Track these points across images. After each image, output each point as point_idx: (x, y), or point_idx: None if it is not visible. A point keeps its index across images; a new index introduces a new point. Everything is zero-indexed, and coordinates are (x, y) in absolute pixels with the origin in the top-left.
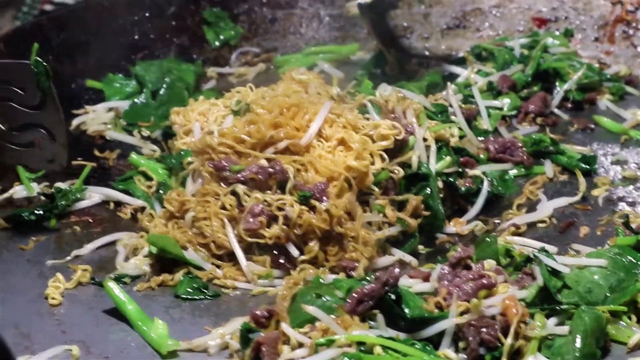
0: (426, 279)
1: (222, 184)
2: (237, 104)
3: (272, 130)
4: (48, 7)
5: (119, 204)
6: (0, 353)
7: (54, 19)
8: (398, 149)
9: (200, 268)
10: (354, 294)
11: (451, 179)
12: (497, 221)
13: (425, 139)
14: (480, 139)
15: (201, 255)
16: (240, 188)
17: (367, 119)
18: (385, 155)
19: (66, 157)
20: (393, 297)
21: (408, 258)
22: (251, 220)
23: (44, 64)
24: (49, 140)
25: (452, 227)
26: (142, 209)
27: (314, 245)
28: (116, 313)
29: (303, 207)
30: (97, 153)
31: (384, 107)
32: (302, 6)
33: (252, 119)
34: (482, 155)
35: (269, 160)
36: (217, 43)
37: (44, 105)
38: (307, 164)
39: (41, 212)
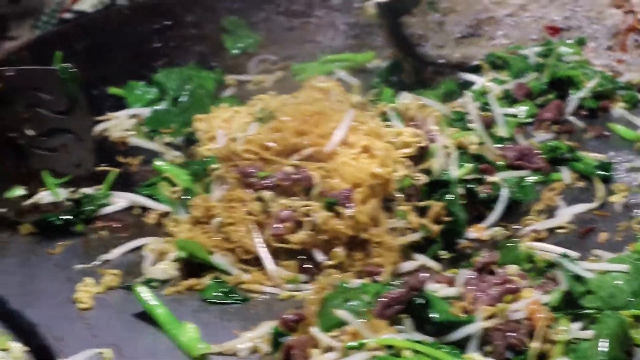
0: (451, 283)
1: (248, 190)
2: (261, 111)
3: (297, 137)
4: (67, 15)
5: (144, 209)
6: (43, 354)
7: (75, 27)
8: (420, 156)
9: (227, 273)
10: (382, 298)
11: (471, 186)
12: (516, 227)
13: (446, 146)
14: (497, 146)
15: (228, 260)
16: (267, 194)
17: (389, 126)
18: (408, 162)
19: (93, 162)
20: (420, 301)
21: (431, 263)
22: (278, 225)
23: (73, 69)
24: (76, 145)
25: (472, 232)
26: (167, 214)
27: (340, 251)
28: (145, 317)
29: (329, 213)
30: (120, 159)
31: (405, 114)
32: (319, 15)
33: (277, 127)
34: (500, 162)
35: (294, 167)
36: (235, 51)
37: (72, 111)
38: (331, 170)
39: (68, 217)
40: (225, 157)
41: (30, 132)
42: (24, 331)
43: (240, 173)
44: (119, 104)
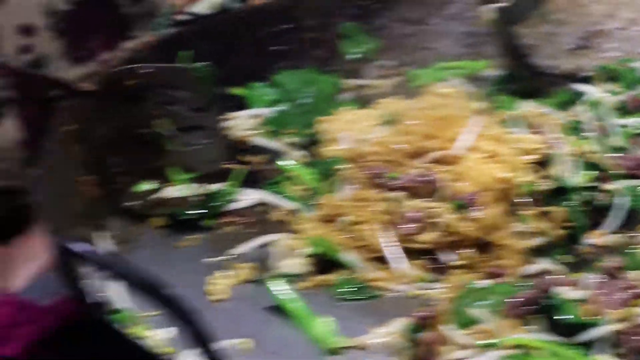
0: (577, 286)
1: (377, 190)
2: (387, 114)
3: (425, 141)
4: (182, 17)
5: (269, 206)
6: (200, 339)
7: (195, 29)
8: (542, 162)
9: (357, 270)
10: (513, 299)
11: (589, 193)
12: (632, 234)
13: (567, 154)
14: (613, 155)
15: (358, 258)
16: (396, 195)
17: (511, 133)
18: (531, 168)
19: (223, 159)
20: (551, 302)
21: (553, 266)
22: (407, 225)
23: (209, 68)
24: (206, 143)
25: (590, 239)
26: (293, 212)
27: (468, 252)
28: (277, 310)
29: (457, 215)
30: (243, 158)
31: (527, 122)
32: (434, 22)
33: (404, 130)
34: (616, 171)
35: (422, 169)
36: (352, 56)
37: (204, 109)
38: (458, 174)
39: (198, 211)
40: (353, 157)
41: (161, 129)
42: (182, 317)
43: (370, 174)
44: (239, 104)
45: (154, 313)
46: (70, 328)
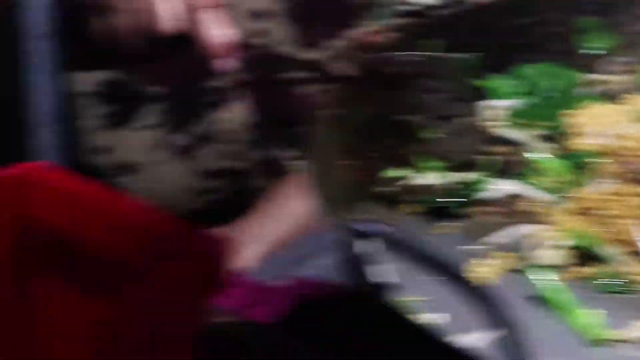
0: None
1: (635, 186)
2: (638, 111)
3: None
4: (407, 7)
5: (520, 197)
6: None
7: (429, 20)
8: None
9: (615, 263)
10: None
11: None
12: None
13: None
14: None
15: (617, 252)
16: None
17: None
18: None
19: (474, 149)
20: None
21: None
22: None
23: (469, 58)
24: (461, 132)
25: None
26: (545, 203)
27: None
28: (538, 300)
29: None
30: (492, 148)
31: None
32: None
33: None
34: None
35: None
36: (592, 51)
37: (461, 99)
38: None
39: (450, 199)
40: (607, 152)
41: (416, 117)
42: (484, 300)
43: (628, 169)
44: (481, 95)
45: (425, 298)
46: (311, 308)
